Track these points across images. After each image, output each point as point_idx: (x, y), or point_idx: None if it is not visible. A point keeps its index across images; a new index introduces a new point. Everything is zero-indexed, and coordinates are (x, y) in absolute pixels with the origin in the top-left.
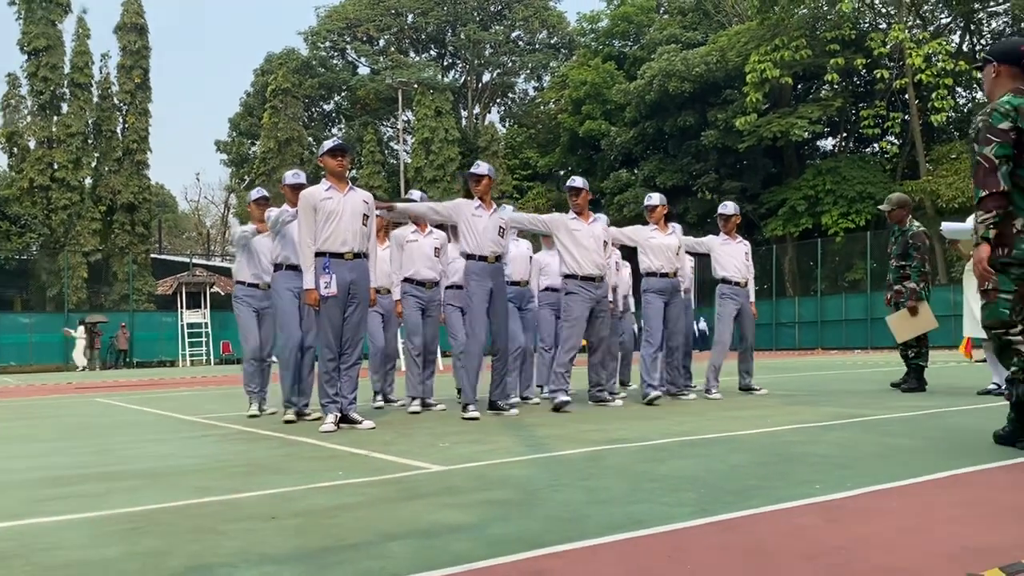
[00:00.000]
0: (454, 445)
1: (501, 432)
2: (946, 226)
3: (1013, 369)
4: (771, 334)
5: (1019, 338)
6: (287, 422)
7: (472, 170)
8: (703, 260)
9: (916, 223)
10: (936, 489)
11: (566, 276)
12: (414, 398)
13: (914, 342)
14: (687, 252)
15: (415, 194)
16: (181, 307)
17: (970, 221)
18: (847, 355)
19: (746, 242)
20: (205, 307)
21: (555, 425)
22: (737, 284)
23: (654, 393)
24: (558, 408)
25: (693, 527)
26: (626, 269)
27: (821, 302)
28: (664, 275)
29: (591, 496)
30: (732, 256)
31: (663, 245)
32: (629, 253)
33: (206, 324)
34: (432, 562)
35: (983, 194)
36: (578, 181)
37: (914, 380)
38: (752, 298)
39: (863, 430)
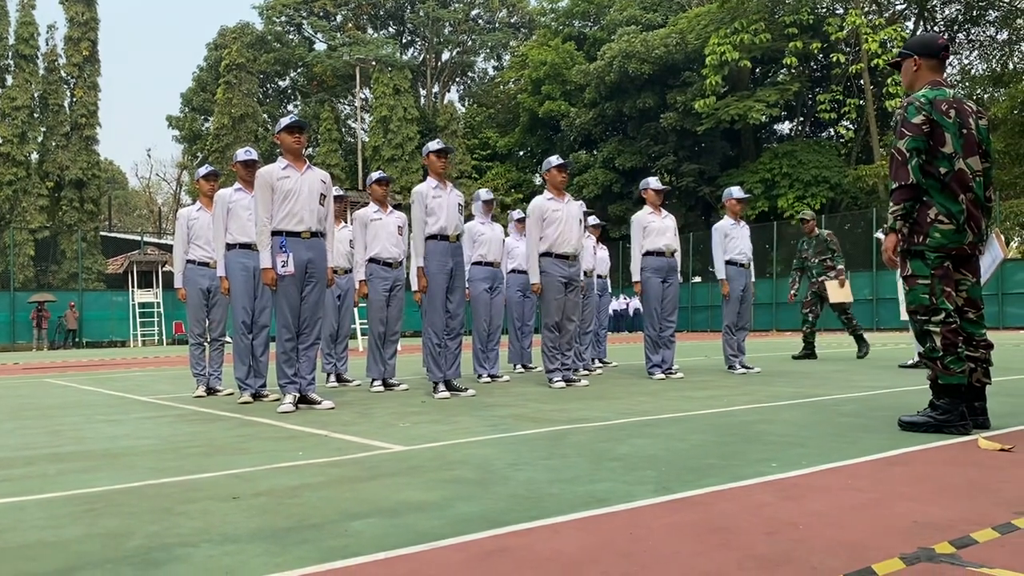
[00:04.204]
0: (415, 425)
1: (462, 412)
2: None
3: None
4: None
5: (937, 329)
6: (243, 403)
7: (441, 147)
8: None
9: (824, 230)
10: (888, 467)
11: (542, 254)
12: (375, 379)
13: (845, 318)
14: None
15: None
16: (132, 286)
17: None
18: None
19: (747, 225)
20: (157, 286)
21: (516, 405)
22: (742, 266)
23: (659, 374)
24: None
25: (654, 505)
26: (603, 251)
27: (776, 284)
28: (661, 254)
29: (553, 475)
30: (739, 239)
31: (661, 226)
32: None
33: (158, 304)
34: (396, 540)
35: (894, 186)
36: (559, 159)
37: (864, 345)
38: (752, 278)
39: (817, 410)
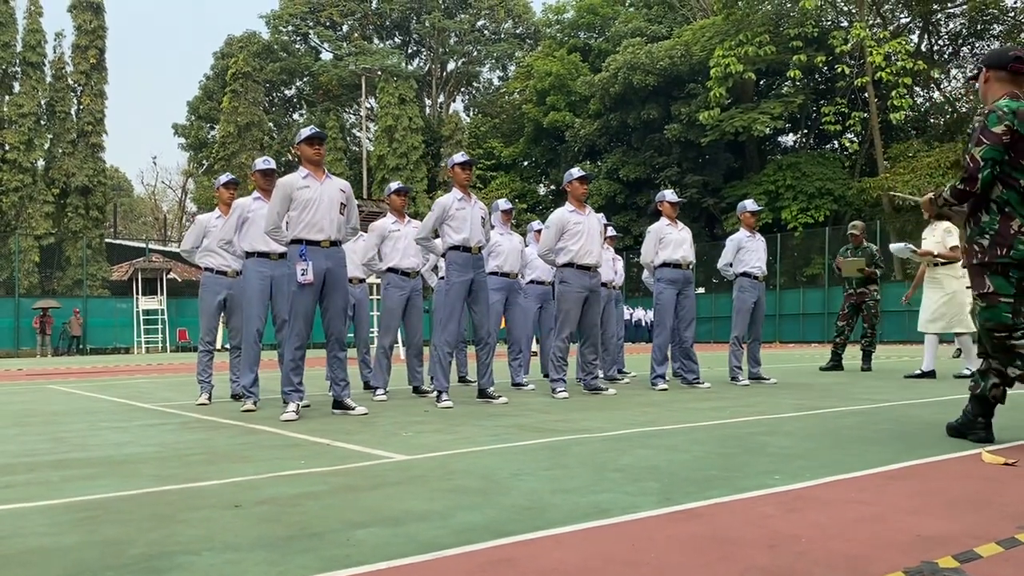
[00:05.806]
0: (417, 435)
1: (464, 422)
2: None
3: (996, 367)
4: (729, 327)
5: (1022, 342)
6: (246, 411)
7: (465, 159)
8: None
9: (873, 245)
10: (891, 480)
11: (563, 265)
12: (376, 387)
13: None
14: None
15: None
16: (137, 293)
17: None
18: (804, 348)
19: (762, 239)
20: (161, 293)
21: (519, 415)
22: (756, 279)
23: (662, 385)
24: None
25: (656, 516)
26: (619, 263)
27: (779, 296)
28: (677, 266)
29: (555, 485)
30: (755, 251)
31: (679, 238)
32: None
33: (162, 311)
34: (398, 550)
35: (960, 185)
36: (580, 171)
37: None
38: (764, 292)
39: (821, 422)
